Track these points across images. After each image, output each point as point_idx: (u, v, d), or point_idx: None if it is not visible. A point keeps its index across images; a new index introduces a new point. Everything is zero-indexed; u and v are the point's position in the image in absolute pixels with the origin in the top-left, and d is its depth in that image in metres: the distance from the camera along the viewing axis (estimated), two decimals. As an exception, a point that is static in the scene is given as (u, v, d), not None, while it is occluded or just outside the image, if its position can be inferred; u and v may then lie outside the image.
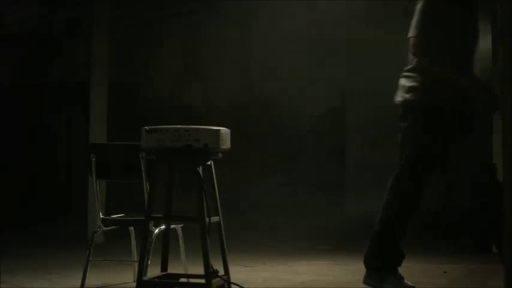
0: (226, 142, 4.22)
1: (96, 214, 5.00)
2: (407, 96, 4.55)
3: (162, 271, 4.43)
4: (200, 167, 4.13)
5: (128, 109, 10.40)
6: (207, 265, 4.03)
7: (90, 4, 8.47)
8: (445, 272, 5.85)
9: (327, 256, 6.93)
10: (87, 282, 4.90)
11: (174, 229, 4.86)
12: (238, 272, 5.56)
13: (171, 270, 4.47)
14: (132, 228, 5.20)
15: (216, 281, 4.12)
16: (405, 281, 4.59)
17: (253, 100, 10.26)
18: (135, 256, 5.22)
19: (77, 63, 10.89)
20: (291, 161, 10.04)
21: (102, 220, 4.91)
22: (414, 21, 4.45)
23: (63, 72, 11.28)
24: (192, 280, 4.51)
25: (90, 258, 4.89)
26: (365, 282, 4.66)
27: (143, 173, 4.76)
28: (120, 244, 6.11)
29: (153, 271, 4.48)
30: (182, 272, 4.80)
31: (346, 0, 9.04)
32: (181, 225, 4.98)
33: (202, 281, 4.07)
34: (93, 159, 4.89)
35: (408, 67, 4.59)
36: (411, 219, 4.61)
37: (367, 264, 4.67)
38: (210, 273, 4.03)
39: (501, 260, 3.67)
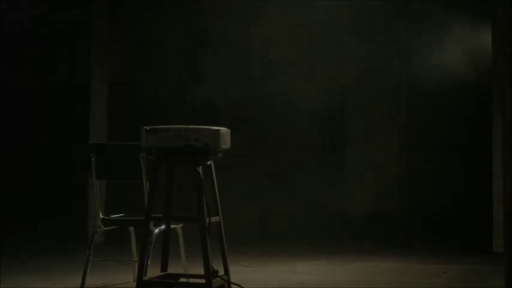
0: (226, 142, 4.21)
1: (96, 214, 5.00)
2: None
3: (162, 271, 4.42)
4: (200, 167, 4.13)
5: (128, 109, 10.39)
6: (207, 265, 4.03)
7: (90, 4, 8.47)
8: (445, 272, 5.85)
9: (327, 256, 6.92)
10: (87, 282, 4.90)
11: (174, 229, 4.86)
12: (238, 272, 5.55)
13: (171, 270, 4.47)
14: (132, 228, 5.21)
15: (216, 281, 4.12)
16: None
17: (253, 100, 10.25)
18: (135, 256, 5.22)
19: (77, 63, 10.89)
20: (290, 160, 10.03)
21: (102, 220, 4.92)
22: None
23: (63, 72, 11.27)
24: (192, 280, 4.51)
25: (90, 258, 4.90)
26: None
27: (143, 173, 4.76)
28: (120, 244, 6.11)
29: (153, 271, 4.48)
30: (182, 272, 4.80)
31: (346, 0, 9.04)
32: (181, 225, 4.98)
33: (202, 281, 4.07)
34: (93, 159, 4.89)
35: None
36: None
37: None
38: (210, 273, 4.03)
39: None
